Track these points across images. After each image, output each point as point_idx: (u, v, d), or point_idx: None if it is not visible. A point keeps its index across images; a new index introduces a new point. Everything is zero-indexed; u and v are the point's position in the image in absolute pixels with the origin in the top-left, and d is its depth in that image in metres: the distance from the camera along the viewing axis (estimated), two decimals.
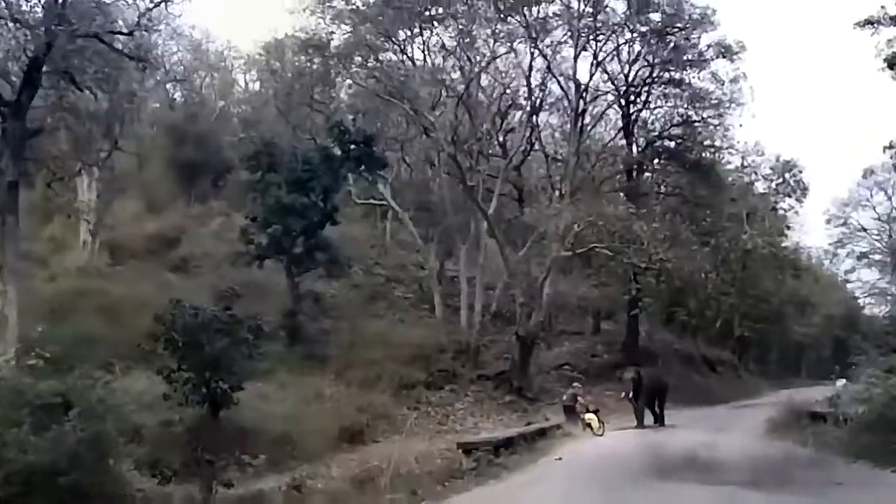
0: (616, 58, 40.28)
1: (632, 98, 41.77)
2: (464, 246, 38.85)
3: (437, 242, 42.30)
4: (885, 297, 64.27)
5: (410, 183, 47.44)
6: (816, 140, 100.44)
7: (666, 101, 42.54)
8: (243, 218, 34.85)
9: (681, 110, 42.31)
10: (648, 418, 28.04)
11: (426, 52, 37.84)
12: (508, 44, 37.16)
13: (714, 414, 34.19)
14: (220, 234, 39.89)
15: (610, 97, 41.63)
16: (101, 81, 26.02)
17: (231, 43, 58.90)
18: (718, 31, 38.84)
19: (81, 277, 31.27)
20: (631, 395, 28.28)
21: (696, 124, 41.96)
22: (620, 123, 43.06)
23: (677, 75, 40.36)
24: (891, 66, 28.78)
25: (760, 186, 52.00)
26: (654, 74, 40.83)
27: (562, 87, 40.18)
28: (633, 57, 40.33)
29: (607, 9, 37.67)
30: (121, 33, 24.44)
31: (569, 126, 39.79)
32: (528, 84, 38.49)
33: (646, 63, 40.39)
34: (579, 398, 27.22)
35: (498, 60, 39.15)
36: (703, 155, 42.71)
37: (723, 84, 40.04)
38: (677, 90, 40.96)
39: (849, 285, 73.79)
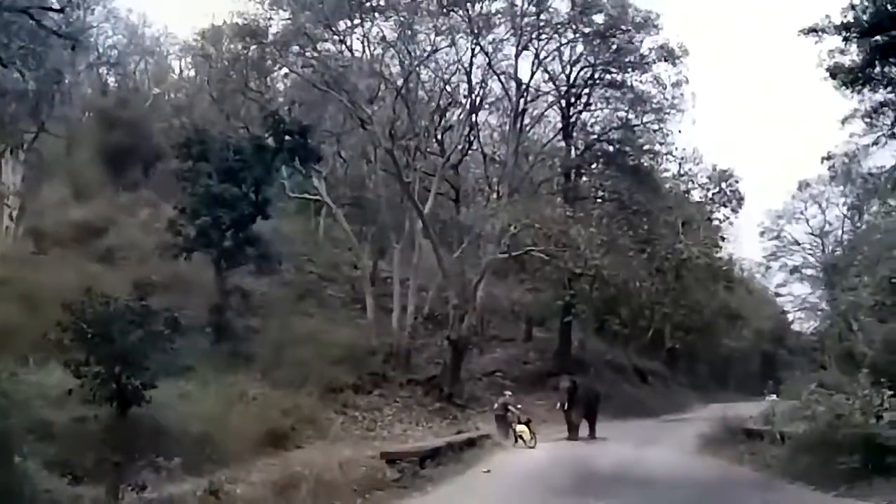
0: (558, 58, 40.10)
1: (572, 100, 41.54)
2: (398, 245, 37.90)
3: (371, 241, 41.56)
4: (814, 312, 65.01)
5: (346, 178, 46.53)
6: (753, 151, 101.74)
7: (607, 104, 42.39)
8: (172, 208, 33.31)
9: (621, 113, 42.15)
10: (584, 429, 27.57)
11: (366, 44, 37.00)
12: (450, 38, 36.44)
13: (645, 427, 33.87)
14: (148, 224, 38.19)
15: (550, 98, 41.48)
16: (26, 58, 24.84)
17: (168, 28, 57.34)
18: (661, 35, 38.77)
19: (2, 265, 29.58)
20: (566, 405, 27.72)
21: (637, 128, 41.77)
22: (560, 125, 42.78)
23: (619, 77, 40.20)
24: (833, 76, 28.66)
25: (696, 195, 51.97)
26: (596, 76, 40.67)
27: (503, 85, 39.88)
28: (574, 58, 40.18)
29: (551, 8, 37.39)
30: (51, 9, 23.54)
31: (508, 126, 39.54)
32: (469, 81, 37.94)
33: (587, 64, 40.18)
34: (510, 407, 26.54)
35: (439, 56, 38.40)
36: (642, 160, 42.49)
37: (664, 88, 39.93)
38: (618, 93, 40.77)
39: (779, 299, 74.60)
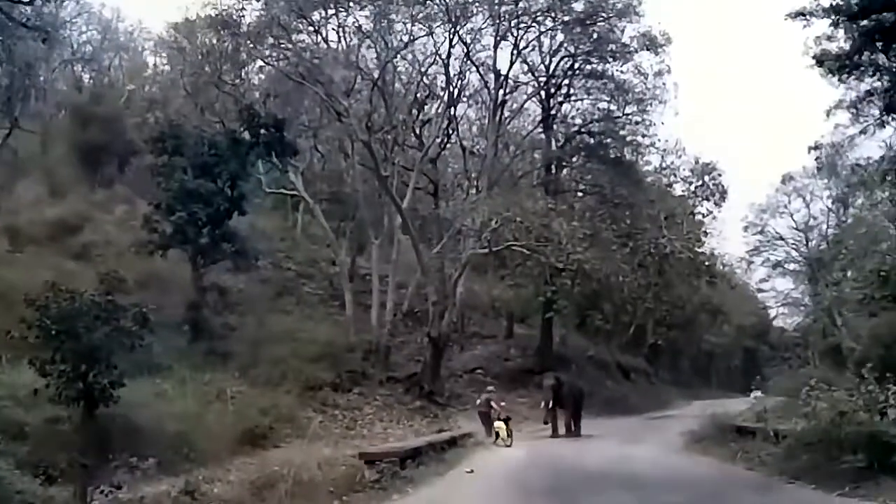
0: (537, 48, 39.48)
1: (552, 90, 40.88)
2: (376, 241, 37.30)
3: (350, 237, 40.95)
4: (798, 308, 64.71)
5: (323, 174, 45.98)
6: (737, 144, 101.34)
7: (588, 95, 41.72)
8: (147, 205, 32.79)
9: (603, 104, 41.59)
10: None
11: (341, 35, 36.21)
12: (427, 27, 35.59)
13: (630, 424, 33.61)
14: (123, 221, 37.93)
15: (530, 89, 40.92)
16: None
17: (142, 23, 56.69)
18: (643, 23, 38.08)
19: None
20: (550, 403, 27.20)
21: (618, 120, 41.17)
22: (540, 117, 42.12)
23: (600, 67, 39.56)
24: (820, 63, 28.10)
25: (679, 189, 51.48)
26: (576, 66, 40.00)
27: (481, 76, 39.28)
28: (554, 47, 39.55)
29: None
30: (20, 1, 23.13)
31: (487, 119, 38.97)
32: (447, 73, 37.12)
33: (567, 54, 39.54)
34: (493, 404, 25.85)
35: (416, 48, 37.75)
36: (624, 152, 42.06)
37: (646, 77, 39.36)
38: (599, 83, 40.17)
39: (762, 295, 74.24)
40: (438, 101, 39.81)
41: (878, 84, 30.10)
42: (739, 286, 74.30)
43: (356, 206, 39.15)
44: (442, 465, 17.86)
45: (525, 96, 41.16)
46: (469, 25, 36.16)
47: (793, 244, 62.03)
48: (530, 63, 39.85)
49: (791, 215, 61.19)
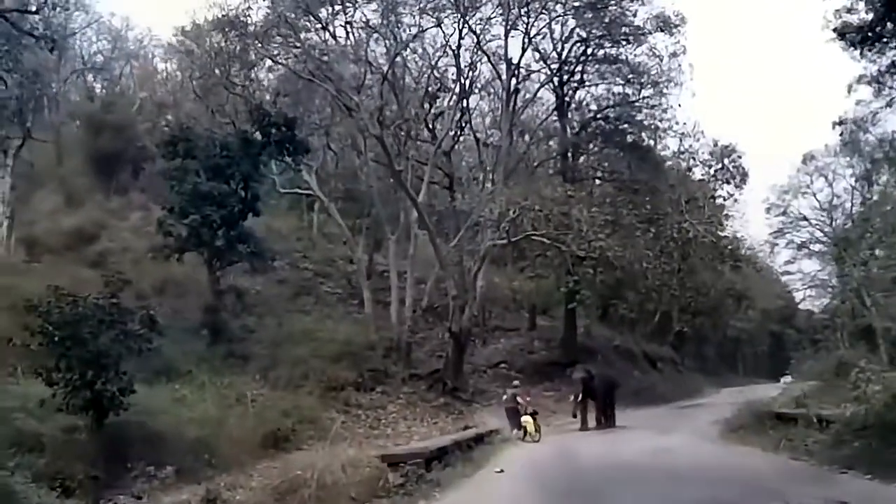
0: (549, 35, 38.70)
1: (565, 77, 40.18)
2: (393, 237, 36.80)
3: (366, 234, 40.85)
4: (824, 289, 63.63)
5: (337, 172, 45.66)
6: (757, 124, 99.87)
7: (602, 80, 40.95)
8: (161, 209, 32.61)
9: (618, 89, 40.84)
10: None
11: (349, 30, 35.50)
12: (435, 18, 34.86)
13: (661, 414, 33.18)
14: (139, 228, 38.18)
15: (543, 76, 40.19)
16: (3, 62, 25.04)
17: (151, 31, 56.76)
18: (656, 4, 37.40)
19: None
20: (580, 395, 26.59)
21: (635, 104, 40.31)
22: (554, 104, 41.51)
23: (613, 51, 38.83)
24: (841, 36, 27.35)
25: (699, 172, 50.63)
26: (589, 52, 39.26)
27: (493, 65, 38.47)
28: (566, 34, 38.79)
29: None
30: (27, 11, 23.41)
31: (500, 108, 38.35)
32: (458, 64, 36.48)
33: (579, 39, 38.77)
34: (519, 399, 25.20)
35: (426, 41, 37.21)
36: (642, 136, 41.34)
37: (661, 60, 38.50)
38: (613, 67, 39.38)
39: (787, 277, 73.10)
40: (450, 94, 39.26)
41: None
42: (764, 269, 73.34)
43: (371, 203, 38.93)
44: (469, 465, 17.13)
45: (538, 84, 40.55)
46: (478, 15, 35.61)
47: (817, 224, 61.00)
48: (542, 51, 39.19)
49: (814, 195, 60.24)
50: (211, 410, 23.13)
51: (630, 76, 39.17)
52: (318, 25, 35.20)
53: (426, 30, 35.61)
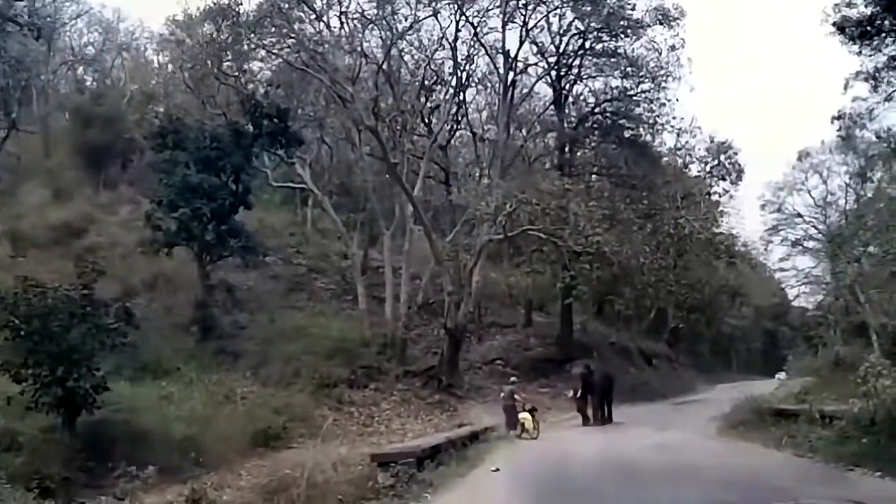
0: (546, 28, 38.51)
1: (563, 71, 39.89)
2: (388, 232, 36.51)
3: (361, 229, 40.47)
4: (819, 286, 63.49)
5: (332, 166, 45.44)
6: (753, 122, 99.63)
7: (600, 73, 40.73)
8: (150, 202, 32.30)
9: (615, 83, 40.60)
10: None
11: (344, 21, 35.00)
12: (432, 8, 34.60)
13: (658, 411, 33.15)
14: (128, 222, 37.81)
15: (540, 70, 39.90)
16: None
17: (143, 22, 56.35)
18: None
19: None
20: (579, 392, 26.39)
21: (633, 98, 40.05)
22: (552, 98, 41.27)
23: (611, 45, 38.48)
24: (840, 30, 27.26)
25: (695, 169, 50.49)
26: (587, 45, 38.92)
27: (490, 58, 38.30)
28: (563, 27, 38.53)
29: None
30: None
31: (498, 102, 38.22)
32: (454, 57, 36.33)
33: (577, 31, 38.44)
34: (517, 395, 24.84)
35: (423, 34, 36.91)
36: (639, 131, 41.13)
37: (660, 53, 38.29)
38: (612, 61, 39.06)
39: (781, 274, 72.89)
40: (446, 87, 38.95)
41: None
42: (758, 266, 73.33)
43: (366, 198, 38.73)
44: (464, 464, 16.58)
45: (535, 78, 40.23)
46: (476, 6, 35.48)
47: (811, 221, 60.87)
48: (539, 44, 38.98)
49: (809, 192, 60.13)
50: (199, 408, 22.97)
51: (628, 70, 38.90)
52: (312, 15, 34.72)
53: (422, 20, 35.34)
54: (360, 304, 36.09)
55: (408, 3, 34.30)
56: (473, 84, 40.62)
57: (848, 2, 27.76)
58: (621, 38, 37.98)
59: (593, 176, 42.34)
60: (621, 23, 37.02)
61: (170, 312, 30.50)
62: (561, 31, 38.57)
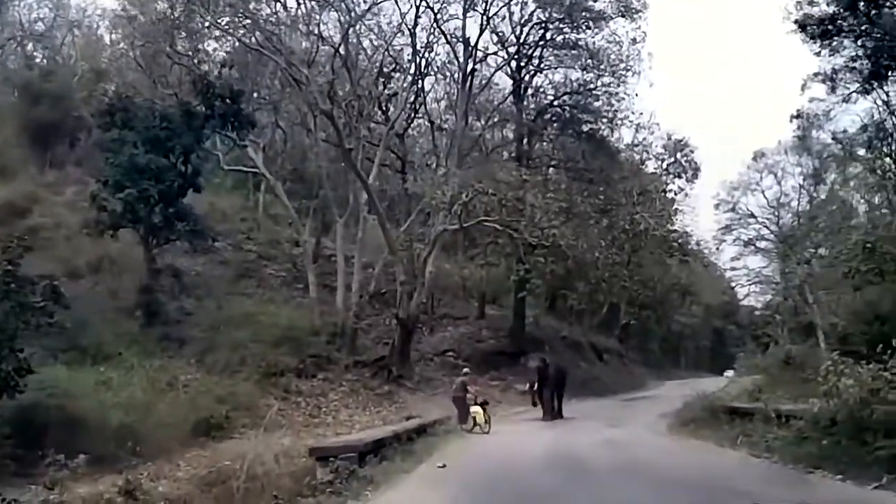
0: (508, 18, 38.38)
1: (523, 62, 39.71)
2: (341, 220, 36.00)
3: (314, 216, 39.94)
4: (768, 286, 64.11)
5: (286, 151, 44.70)
6: (713, 120, 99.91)
7: (560, 65, 40.48)
8: (95, 182, 31.17)
9: (576, 75, 40.56)
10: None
11: (301, 1, 34.47)
12: None
13: (608, 406, 33.11)
14: (74, 203, 36.42)
15: (500, 60, 39.74)
16: None
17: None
18: None
19: None
20: (535, 385, 26.45)
21: (592, 91, 39.97)
22: (511, 89, 41.08)
23: (573, 36, 38.40)
24: (802, 28, 27.38)
25: (652, 165, 50.61)
26: (548, 36, 38.77)
27: (450, 45, 37.79)
28: (525, 17, 38.41)
29: None
30: None
31: (457, 90, 37.88)
32: (413, 43, 35.93)
33: (538, 22, 38.30)
34: (469, 387, 24.41)
35: (382, 20, 36.63)
36: (598, 124, 40.99)
37: (621, 46, 38.25)
38: (573, 53, 38.92)
39: (732, 273, 73.49)
40: (405, 74, 38.50)
41: (860, 51, 29.51)
42: (709, 265, 73.92)
43: (320, 185, 38.19)
44: (409, 459, 15.89)
45: (495, 67, 40.05)
46: None
47: (763, 221, 61.24)
48: (500, 34, 38.85)
49: (763, 192, 60.36)
50: (139, 395, 21.89)
51: (589, 62, 38.82)
52: None
53: (381, 3, 35.10)
54: (310, 293, 35.35)
55: None
56: (432, 73, 40.25)
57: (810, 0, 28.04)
58: (583, 30, 37.94)
59: (551, 168, 42.31)
60: (583, 14, 36.95)
61: (114, 296, 29.57)
62: (522, 21, 38.50)
